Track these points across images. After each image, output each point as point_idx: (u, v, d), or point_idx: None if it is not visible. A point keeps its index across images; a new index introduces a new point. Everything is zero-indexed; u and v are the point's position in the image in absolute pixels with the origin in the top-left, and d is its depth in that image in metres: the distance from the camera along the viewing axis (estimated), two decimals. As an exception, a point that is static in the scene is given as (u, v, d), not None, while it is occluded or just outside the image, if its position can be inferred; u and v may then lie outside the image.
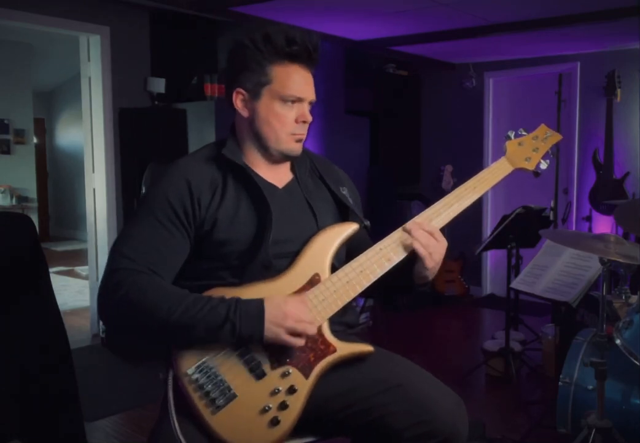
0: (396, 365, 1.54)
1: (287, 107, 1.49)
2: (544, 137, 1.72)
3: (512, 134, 1.70)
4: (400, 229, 1.52)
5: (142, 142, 4.40)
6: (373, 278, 1.48)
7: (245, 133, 1.54)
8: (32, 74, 7.90)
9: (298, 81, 1.49)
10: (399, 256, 1.50)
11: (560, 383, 2.39)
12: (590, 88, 5.41)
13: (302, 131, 1.53)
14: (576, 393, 2.34)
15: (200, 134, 4.32)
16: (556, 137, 1.74)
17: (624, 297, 2.57)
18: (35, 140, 8.49)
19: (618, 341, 2.10)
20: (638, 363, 2.03)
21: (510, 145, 1.69)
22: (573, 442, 2.21)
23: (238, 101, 1.52)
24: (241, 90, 1.51)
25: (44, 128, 9.91)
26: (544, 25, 4.46)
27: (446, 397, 1.48)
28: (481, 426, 2.76)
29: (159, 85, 4.46)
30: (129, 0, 4.22)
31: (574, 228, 5.45)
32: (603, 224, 5.23)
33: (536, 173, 1.71)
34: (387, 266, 1.49)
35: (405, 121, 6.28)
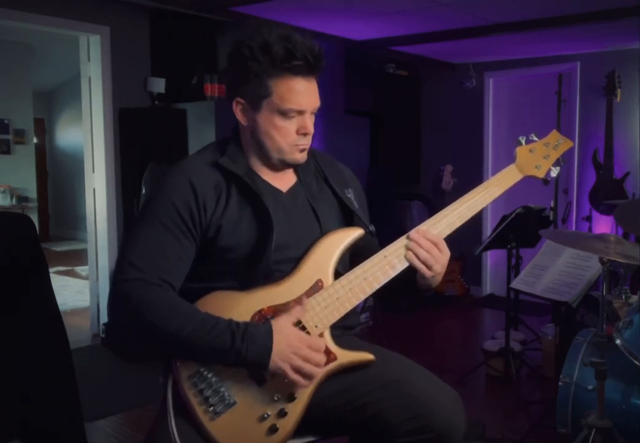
0: (391, 361, 1.54)
1: (288, 120, 1.46)
2: (555, 144, 1.67)
3: (523, 140, 1.65)
4: (405, 236, 1.51)
5: (142, 142, 4.40)
6: (377, 285, 1.47)
7: (247, 139, 1.52)
8: (32, 74, 7.90)
9: (299, 94, 1.44)
10: (404, 263, 1.49)
11: (560, 383, 2.39)
12: (590, 88, 5.41)
13: (305, 141, 1.50)
14: (576, 393, 2.34)
15: (200, 134, 4.31)
16: (567, 144, 1.69)
17: (624, 297, 2.57)
18: (35, 140, 8.49)
19: (618, 341, 2.10)
20: (638, 363, 2.03)
21: (521, 152, 1.64)
22: (573, 442, 2.21)
23: (238, 111, 1.49)
24: (241, 100, 1.48)
25: (44, 128, 9.91)
26: (544, 25, 4.46)
27: (442, 392, 1.48)
28: (481, 426, 2.75)
29: (159, 85, 4.46)
30: (129, 0, 4.22)
31: (574, 228, 5.45)
32: (603, 224, 5.23)
33: (546, 180, 1.67)
34: (391, 274, 1.48)
35: (405, 121, 6.28)
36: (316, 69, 1.45)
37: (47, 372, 2.09)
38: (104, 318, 4.45)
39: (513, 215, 3.68)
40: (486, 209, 6.06)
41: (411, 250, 1.47)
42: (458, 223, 1.56)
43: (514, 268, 4.06)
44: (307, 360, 1.36)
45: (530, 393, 3.61)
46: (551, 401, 2.64)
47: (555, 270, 2.96)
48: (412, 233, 1.49)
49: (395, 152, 6.09)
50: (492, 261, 6.10)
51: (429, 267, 1.48)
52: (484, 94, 6.04)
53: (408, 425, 1.43)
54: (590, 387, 2.29)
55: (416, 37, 4.98)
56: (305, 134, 1.49)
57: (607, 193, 5.03)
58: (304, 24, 4.61)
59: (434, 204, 5.91)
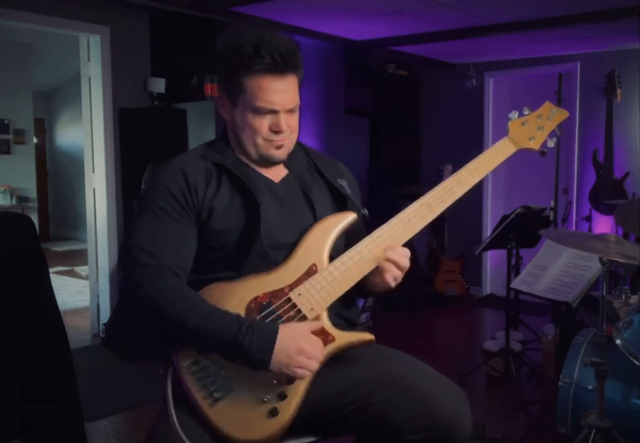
0: (394, 359, 1.55)
1: (261, 117, 1.49)
2: (549, 115, 1.68)
3: (515, 115, 1.67)
4: (396, 217, 1.53)
5: (142, 142, 4.40)
6: (373, 265, 1.49)
7: (231, 135, 1.57)
8: (32, 74, 7.90)
9: (268, 92, 1.46)
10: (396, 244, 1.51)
11: (560, 383, 2.39)
12: (590, 88, 5.41)
13: (278, 138, 1.51)
14: (576, 393, 2.34)
15: (200, 134, 4.31)
16: (563, 114, 1.69)
17: (624, 297, 2.56)
18: (35, 140, 8.48)
19: (618, 341, 2.10)
20: (638, 363, 2.03)
21: (513, 125, 1.66)
22: (573, 442, 2.21)
23: (220, 106, 1.55)
24: (222, 96, 1.54)
25: (44, 128, 9.90)
26: (544, 25, 4.46)
27: (445, 389, 1.49)
28: (481, 426, 2.75)
29: (159, 85, 4.46)
30: (129, 0, 4.22)
31: (574, 228, 5.45)
32: (603, 224, 5.23)
33: (542, 152, 1.68)
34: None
35: (405, 121, 6.28)
36: (286, 67, 1.47)
37: (47, 372, 2.09)
38: (104, 318, 4.45)
39: (513, 215, 3.68)
40: (486, 209, 6.06)
41: (390, 269, 1.49)
42: (451, 201, 1.59)
43: (514, 268, 4.06)
44: (310, 356, 1.37)
45: (530, 393, 3.61)
46: (551, 401, 2.64)
47: (555, 270, 2.96)
48: (390, 249, 1.49)
49: (395, 152, 6.09)
50: (492, 261, 6.10)
51: (395, 279, 1.51)
52: (484, 94, 6.04)
53: (413, 423, 1.43)
54: (590, 387, 2.29)
55: (416, 37, 4.98)
56: (277, 132, 1.50)
57: (607, 193, 5.02)
58: (304, 24, 4.61)
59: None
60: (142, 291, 1.36)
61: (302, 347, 1.36)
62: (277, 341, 1.35)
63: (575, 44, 5.19)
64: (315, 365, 1.38)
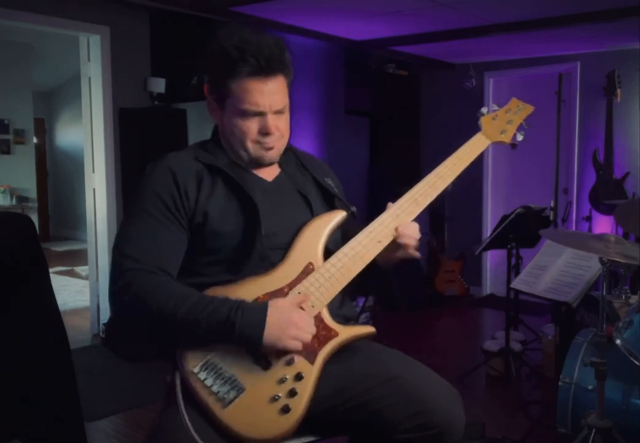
0: (390, 358, 1.56)
1: (249, 121, 1.50)
2: (516, 110, 1.78)
3: (485, 111, 1.77)
4: (385, 213, 1.56)
5: (142, 142, 4.40)
6: (367, 260, 1.51)
7: (223, 137, 1.59)
8: (32, 74, 7.90)
9: (254, 95, 1.47)
10: (389, 238, 1.54)
11: (560, 383, 2.39)
12: (590, 88, 5.41)
13: (268, 140, 1.52)
14: (576, 393, 2.34)
15: (200, 134, 4.31)
16: (528, 109, 1.79)
17: (624, 297, 2.56)
18: (35, 140, 8.48)
19: (618, 341, 2.10)
20: (638, 363, 2.03)
21: (485, 120, 1.76)
22: (573, 442, 2.21)
23: (210, 110, 1.58)
24: (210, 99, 1.56)
25: (44, 128, 9.91)
26: (544, 25, 4.46)
27: (440, 389, 1.50)
28: (481, 426, 2.75)
29: (159, 85, 4.46)
30: (129, 0, 4.22)
31: (574, 228, 5.45)
32: (603, 224, 5.23)
33: (513, 144, 1.78)
34: (379, 248, 1.53)
35: (405, 121, 6.28)
36: (270, 69, 1.47)
37: (47, 372, 2.09)
38: (104, 318, 4.45)
39: (513, 215, 3.68)
40: (486, 209, 6.06)
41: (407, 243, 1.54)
42: (435, 194, 1.66)
43: (514, 268, 4.06)
44: (302, 329, 1.39)
45: (530, 393, 3.61)
46: (551, 401, 2.64)
47: (555, 270, 2.96)
48: (403, 227, 1.56)
49: (395, 152, 6.09)
50: (492, 261, 6.10)
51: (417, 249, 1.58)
52: (484, 94, 6.04)
53: (408, 422, 1.44)
54: (590, 387, 2.29)
55: (416, 37, 4.98)
56: (266, 134, 1.51)
57: (607, 193, 5.02)
58: (304, 24, 4.61)
59: (434, 204, 5.90)
60: (129, 294, 1.37)
61: (292, 319, 1.38)
62: (268, 316, 1.37)
63: (575, 44, 5.20)
64: (308, 336, 1.40)
